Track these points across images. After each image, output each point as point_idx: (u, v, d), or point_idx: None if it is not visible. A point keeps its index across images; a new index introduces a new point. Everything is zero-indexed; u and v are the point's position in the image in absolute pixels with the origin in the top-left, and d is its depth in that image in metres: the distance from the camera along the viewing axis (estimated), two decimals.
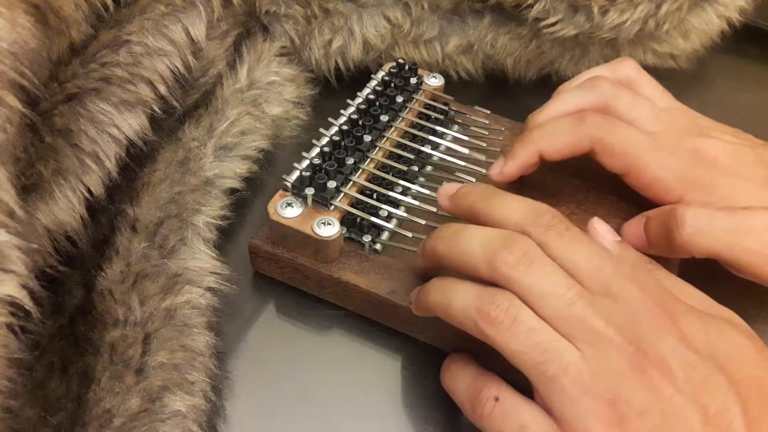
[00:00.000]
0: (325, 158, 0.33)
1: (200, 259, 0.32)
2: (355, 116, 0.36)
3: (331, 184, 0.32)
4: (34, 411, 0.25)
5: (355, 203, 0.33)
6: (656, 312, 0.23)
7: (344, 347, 0.32)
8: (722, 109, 0.39)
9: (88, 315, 0.29)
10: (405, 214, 0.33)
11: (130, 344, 0.27)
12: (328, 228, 0.31)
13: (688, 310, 0.24)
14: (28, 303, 0.23)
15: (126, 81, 0.31)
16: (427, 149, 0.37)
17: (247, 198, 0.37)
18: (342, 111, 0.37)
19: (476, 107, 0.41)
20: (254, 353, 0.32)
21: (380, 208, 0.33)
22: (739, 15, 0.45)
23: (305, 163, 0.33)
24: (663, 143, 0.32)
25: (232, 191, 0.36)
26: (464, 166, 0.36)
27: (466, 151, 0.37)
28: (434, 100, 0.40)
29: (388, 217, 0.33)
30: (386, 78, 0.39)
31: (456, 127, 0.40)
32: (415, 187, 0.34)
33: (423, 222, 0.32)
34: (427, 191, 0.34)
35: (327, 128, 0.35)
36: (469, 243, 0.25)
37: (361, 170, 0.34)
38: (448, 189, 0.30)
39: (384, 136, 0.36)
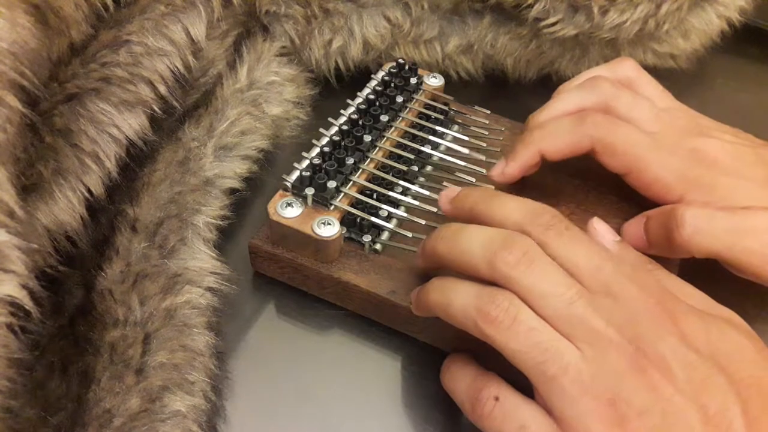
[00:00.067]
0: (325, 158, 0.33)
1: (200, 259, 0.32)
2: (355, 116, 0.36)
3: (331, 184, 0.32)
4: (34, 411, 0.25)
5: (355, 203, 0.33)
6: (656, 312, 0.23)
7: (344, 347, 0.32)
8: (722, 109, 0.39)
9: (88, 315, 0.29)
10: (405, 214, 0.33)
11: (130, 344, 0.27)
12: (328, 228, 0.31)
13: (689, 310, 0.24)
14: (28, 303, 0.23)
15: (126, 81, 0.31)
16: (427, 149, 0.37)
17: (247, 198, 0.37)
18: (342, 111, 0.37)
19: (476, 107, 0.41)
20: (254, 353, 0.32)
21: (380, 208, 0.33)
22: (739, 15, 0.45)
23: (305, 163, 0.33)
24: (663, 143, 0.32)
25: (232, 191, 0.36)
26: (464, 166, 0.36)
27: (466, 151, 0.37)
28: (434, 100, 0.40)
29: (388, 217, 0.33)
30: (386, 78, 0.39)
31: (456, 127, 0.40)
32: (415, 187, 0.34)
33: (423, 222, 0.32)
34: (427, 191, 0.34)
35: (327, 128, 0.35)
36: (469, 243, 0.25)
37: (361, 170, 0.34)
38: (448, 193, 0.30)
39: (384, 136, 0.36)
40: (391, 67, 0.40)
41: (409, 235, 0.32)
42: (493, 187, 0.36)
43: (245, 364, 0.31)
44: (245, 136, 0.37)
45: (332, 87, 0.45)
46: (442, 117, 0.39)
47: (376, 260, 0.32)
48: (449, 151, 0.37)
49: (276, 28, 0.43)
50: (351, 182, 0.34)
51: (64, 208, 0.28)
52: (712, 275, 0.29)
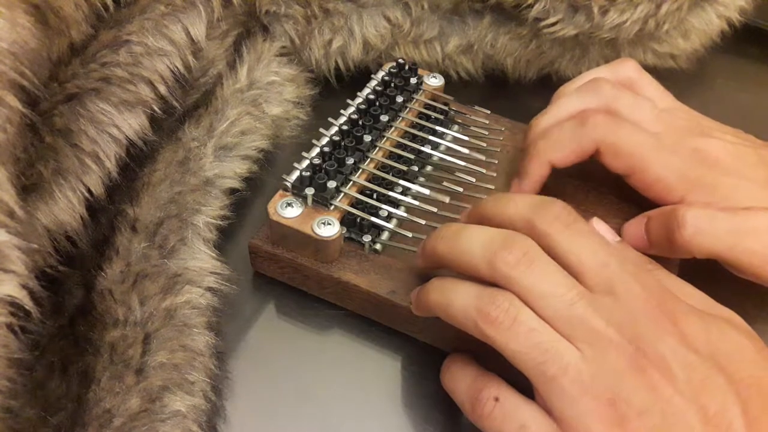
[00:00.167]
0: (325, 158, 0.33)
1: (200, 259, 0.32)
2: (355, 116, 0.36)
3: (331, 184, 0.32)
4: (34, 411, 0.25)
5: (355, 203, 0.33)
6: (656, 312, 0.23)
7: (344, 347, 0.32)
8: (723, 109, 0.38)
9: (88, 315, 0.29)
10: (405, 214, 0.33)
11: (130, 344, 0.27)
12: (328, 228, 0.31)
13: (689, 310, 0.24)
14: (28, 303, 0.23)
15: (126, 81, 0.31)
16: (427, 149, 0.37)
17: (247, 198, 0.37)
18: (342, 111, 0.36)
19: (476, 107, 0.41)
20: (254, 353, 0.32)
21: (380, 208, 0.33)
22: (739, 15, 0.45)
23: (305, 163, 0.33)
24: (665, 143, 0.32)
25: (232, 191, 0.36)
26: (464, 166, 0.36)
27: (466, 151, 0.37)
28: (434, 100, 0.40)
29: (388, 217, 0.33)
30: (386, 78, 0.39)
31: (456, 127, 0.40)
32: (415, 187, 0.34)
33: (423, 222, 0.32)
34: (427, 191, 0.34)
35: (327, 128, 0.35)
36: (469, 243, 0.25)
37: (361, 170, 0.34)
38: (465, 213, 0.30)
39: (384, 136, 0.36)
40: (391, 67, 0.40)
41: (409, 235, 0.32)
42: (493, 187, 0.36)
43: (245, 364, 0.31)
44: (245, 136, 0.37)
45: (332, 87, 0.45)
46: (442, 117, 0.39)
47: (376, 260, 0.32)
48: (449, 151, 0.37)
49: (276, 28, 0.42)
50: (351, 182, 0.34)
51: (64, 208, 0.28)
52: (712, 275, 0.29)
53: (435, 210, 0.33)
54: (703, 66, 0.49)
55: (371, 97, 0.38)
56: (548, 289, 0.23)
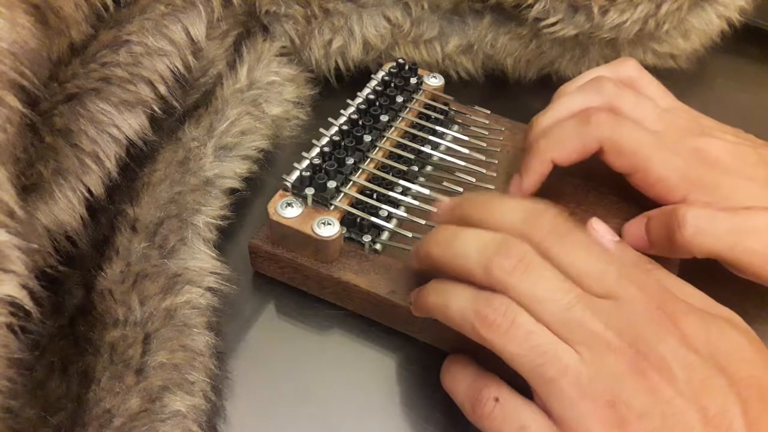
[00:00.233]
0: (325, 158, 0.33)
1: (200, 259, 0.32)
2: (355, 116, 0.36)
3: (331, 184, 0.32)
4: (34, 411, 0.25)
5: (355, 203, 0.33)
6: (656, 313, 0.23)
7: (344, 347, 0.32)
8: (723, 109, 0.38)
9: (88, 315, 0.29)
10: (405, 214, 0.33)
11: (130, 344, 0.27)
12: (328, 228, 0.31)
13: (689, 310, 0.24)
14: (28, 303, 0.23)
15: (126, 81, 0.31)
16: (427, 149, 0.37)
17: (247, 198, 0.37)
18: (342, 111, 0.36)
19: (476, 107, 0.41)
20: (254, 353, 0.32)
21: (380, 208, 0.33)
22: (739, 15, 0.45)
23: (305, 163, 0.33)
24: (667, 143, 0.32)
25: (232, 191, 0.36)
26: (464, 166, 0.36)
27: (466, 151, 0.37)
28: (434, 100, 0.40)
29: (388, 217, 0.33)
30: (386, 78, 0.39)
31: (456, 127, 0.40)
32: (415, 187, 0.34)
33: (423, 222, 0.32)
34: (427, 191, 0.34)
35: (327, 128, 0.35)
36: (464, 248, 0.25)
37: (361, 170, 0.34)
38: (446, 205, 0.29)
39: (384, 136, 0.36)
40: (391, 67, 0.40)
41: (409, 235, 0.32)
42: (493, 187, 0.36)
43: (245, 364, 0.31)
44: (245, 136, 0.37)
45: (332, 87, 0.45)
46: (442, 117, 0.39)
47: (376, 260, 0.32)
48: (449, 151, 0.37)
49: (276, 28, 0.42)
50: (351, 182, 0.34)
51: (64, 208, 0.28)
52: (712, 275, 0.29)
53: (435, 210, 0.33)
54: (703, 66, 0.49)
55: (371, 97, 0.38)
56: (545, 293, 0.23)
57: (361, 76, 0.43)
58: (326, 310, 0.33)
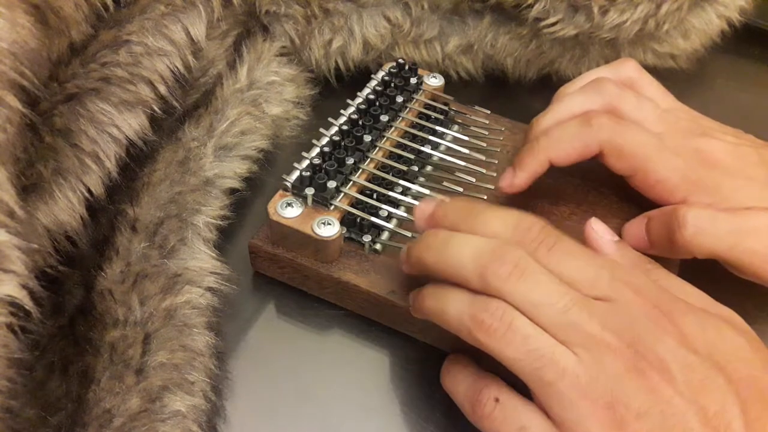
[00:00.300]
0: (325, 158, 0.33)
1: (200, 259, 0.32)
2: (355, 116, 0.36)
3: (331, 184, 0.32)
4: (34, 411, 0.25)
5: (355, 203, 0.33)
6: (654, 313, 0.23)
7: (344, 347, 0.32)
8: (723, 109, 0.39)
9: (88, 315, 0.29)
10: (405, 214, 0.33)
11: (130, 344, 0.27)
12: (328, 228, 0.31)
13: (687, 310, 0.24)
14: (28, 303, 0.23)
15: (126, 81, 0.31)
16: (427, 149, 0.37)
17: (247, 198, 0.37)
18: (342, 111, 0.36)
19: (476, 107, 0.41)
20: (254, 353, 0.32)
21: (380, 208, 0.33)
22: (739, 15, 0.45)
23: (305, 163, 0.33)
24: (668, 144, 0.32)
25: (232, 191, 0.36)
26: (464, 166, 0.36)
27: (466, 151, 0.37)
28: (434, 100, 0.40)
29: (388, 217, 0.33)
30: (386, 78, 0.39)
31: (456, 127, 0.40)
32: (415, 187, 0.34)
33: None
34: (427, 191, 0.34)
35: (327, 128, 0.35)
36: (458, 254, 0.25)
37: (361, 170, 0.34)
38: (424, 210, 0.28)
39: (384, 136, 0.36)
40: (391, 67, 0.40)
41: (409, 235, 0.32)
42: (493, 187, 0.35)
43: (245, 364, 0.31)
44: (245, 136, 0.37)
45: (332, 87, 0.45)
46: (442, 117, 0.39)
47: (376, 260, 0.32)
48: (449, 151, 0.37)
49: (276, 28, 0.43)
50: (351, 182, 0.34)
51: (64, 208, 0.28)
52: (712, 275, 0.29)
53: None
54: (703, 66, 0.49)
55: (371, 97, 0.38)
56: (541, 297, 0.23)
57: (361, 76, 0.43)
58: (326, 310, 0.33)
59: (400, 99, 0.38)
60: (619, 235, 0.33)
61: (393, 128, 0.37)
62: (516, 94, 0.47)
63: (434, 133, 0.38)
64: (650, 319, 0.23)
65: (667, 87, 0.36)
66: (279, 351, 0.32)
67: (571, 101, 0.35)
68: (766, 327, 0.30)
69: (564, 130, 0.32)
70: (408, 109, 0.39)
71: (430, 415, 0.30)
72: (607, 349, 0.22)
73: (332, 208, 0.32)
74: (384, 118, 0.36)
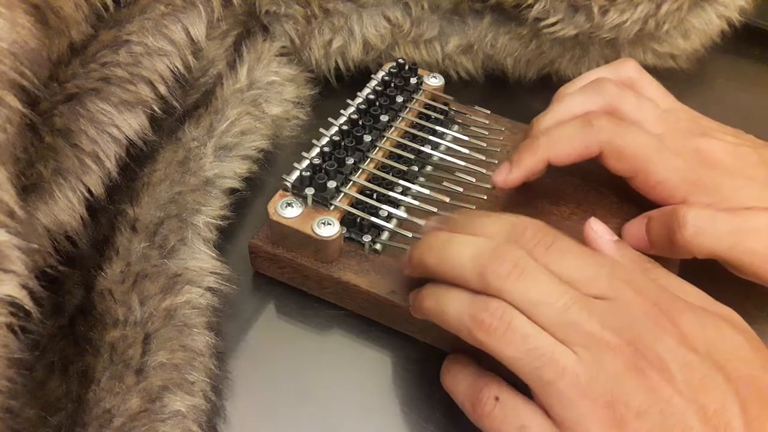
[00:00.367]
0: (325, 158, 0.33)
1: (200, 259, 0.32)
2: (355, 116, 0.36)
3: (331, 184, 0.32)
4: (34, 411, 0.25)
5: (355, 203, 0.33)
6: (653, 312, 0.23)
7: (344, 347, 0.32)
8: (723, 109, 0.39)
9: (88, 315, 0.29)
10: (405, 214, 0.33)
11: (130, 344, 0.27)
12: (328, 228, 0.31)
13: (686, 308, 0.24)
14: (28, 303, 0.23)
15: (126, 81, 0.31)
16: (427, 149, 0.37)
17: (247, 198, 0.37)
18: (342, 111, 0.36)
19: (476, 107, 0.41)
20: (254, 353, 0.32)
21: (380, 208, 0.33)
22: (739, 15, 0.45)
23: (305, 163, 0.33)
24: (668, 145, 0.32)
25: (232, 191, 0.36)
26: (464, 166, 0.36)
27: (466, 151, 0.37)
28: (434, 100, 0.40)
29: (388, 217, 0.33)
30: (386, 78, 0.39)
31: (456, 127, 0.40)
32: (415, 187, 0.34)
33: (423, 222, 0.32)
34: (427, 191, 0.34)
35: (327, 128, 0.35)
36: (458, 255, 0.25)
37: (361, 170, 0.34)
38: (429, 226, 0.29)
39: (384, 136, 0.36)
40: (391, 67, 0.40)
41: (409, 235, 0.32)
42: (492, 186, 0.35)
43: (245, 364, 0.31)
44: (245, 136, 0.37)
45: (332, 87, 0.45)
46: (442, 117, 0.39)
47: (376, 260, 0.32)
48: (449, 151, 0.37)
49: (276, 28, 0.43)
50: (351, 182, 0.34)
51: (64, 208, 0.28)
52: (712, 275, 0.29)
53: (435, 210, 0.33)
54: (703, 66, 0.49)
55: (371, 97, 0.38)
56: (540, 296, 0.23)
57: (361, 76, 0.43)
58: (326, 310, 0.33)
59: (400, 99, 0.38)
60: (619, 235, 0.33)
61: (393, 128, 0.37)
62: (516, 94, 0.47)
63: (434, 133, 0.38)
64: (650, 318, 0.23)
65: (667, 87, 0.36)
66: (279, 351, 0.32)
67: (571, 101, 0.35)
68: (766, 327, 0.30)
69: (564, 131, 0.32)
70: (408, 109, 0.39)
71: (430, 415, 0.30)
72: (607, 347, 0.22)
73: (332, 208, 0.32)
74: (384, 118, 0.36)
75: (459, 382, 0.27)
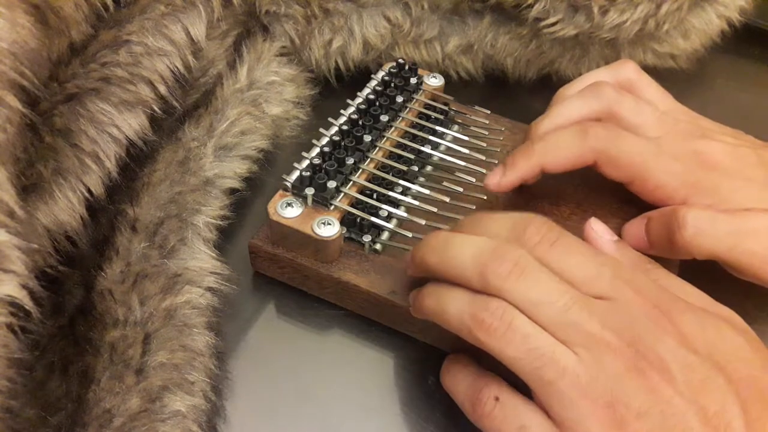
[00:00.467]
0: (325, 158, 0.33)
1: (200, 259, 0.32)
2: (355, 116, 0.36)
3: (331, 184, 0.32)
4: (34, 411, 0.25)
5: (355, 203, 0.33)
6: (654, 313, 0.23)
7: (344, 347, 0.32)
8: (723, 109, 0.39)
9: (88, 315, 0.29)
10: (405, 214, 0.33)
11: (130, 344, 0.27)
12: (328, 228, 0.31)
13: (686, 309, 0.24)
14: (28, 303, 0.23)
15: (126, 81, 0.31)
16: (427, 149, 0.37)
17: (247, 198, 0.37)
18: (342, 111, 0.36)
19: (476, 107, 0.41)
20: (254, 353, 0.32)
21: (380, 208, 0.33)
22: (739, 15, 0.45)
23: (305, 163, 0.33)
24: (666, 148, 0.32)
25: (232, 191, 0.36)
26: (464, 166, 0.36)
27: (466, 151, 0.37)
28: (434, 100, 0.40)
29: (388, 217, 0.33)
30: (386, 78, 0.39)
31: (456, 127, 0.40)
32: (415, 187, 0.34)
33: (423, 222, 0.32)
34: (427, 191, 0.34)
35: (327, 128, 0.35)
36: (460, 254, 0.25)
37: (361, 170, 0.34)
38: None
39: (384, 136, 0.36)
40: (391, 67, 0.40)
41: (409, 235, 0.32)
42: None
43: (245, 364, 0.31)
44: (245, 136, 0.37)
45: (332, 87, 0.45)
46: (442, 117, 0.39)
47: (376, 260, 0.32)
48: (449, 151, 0.37)
49: (276, 28, 0.43)
50: (351, 182, 0.34)
51: (64, 208, 0.28)
52: (712, 275, 0.29)
53: (435, 210, 0.33)
54: (703, 66, 0.49)
55: (371, 97, 0.38)
56: (541, 296, 0.23)
57: (361, 76, 0.43)
58: (326, 310, 0.33)
59: (400, 99, 0.38)
60: (619, 235, 0.33)
61: (393, 128, 0.37)
62: (516, 94, 0.47)
63: (434, 133, 0.38)
64: (650, 319, 0.23)
65: (667, 87, 0.36)
66: (279, 351, 0.32)
67: (569, 106, 0.35)
68: (766, 327, 0.30)
69: (559, 138, 0.33)
70: (408, 109, 0.39)
71: (430, 415, 0.30)
72: (607, 348, 0.22)
73: (332, 208, 0.32)
74: (384, 118, 0.36)
75: (459, 381, 0.27)
